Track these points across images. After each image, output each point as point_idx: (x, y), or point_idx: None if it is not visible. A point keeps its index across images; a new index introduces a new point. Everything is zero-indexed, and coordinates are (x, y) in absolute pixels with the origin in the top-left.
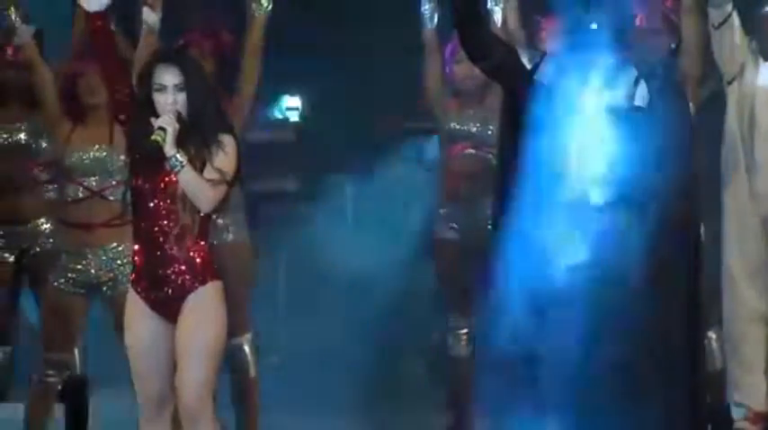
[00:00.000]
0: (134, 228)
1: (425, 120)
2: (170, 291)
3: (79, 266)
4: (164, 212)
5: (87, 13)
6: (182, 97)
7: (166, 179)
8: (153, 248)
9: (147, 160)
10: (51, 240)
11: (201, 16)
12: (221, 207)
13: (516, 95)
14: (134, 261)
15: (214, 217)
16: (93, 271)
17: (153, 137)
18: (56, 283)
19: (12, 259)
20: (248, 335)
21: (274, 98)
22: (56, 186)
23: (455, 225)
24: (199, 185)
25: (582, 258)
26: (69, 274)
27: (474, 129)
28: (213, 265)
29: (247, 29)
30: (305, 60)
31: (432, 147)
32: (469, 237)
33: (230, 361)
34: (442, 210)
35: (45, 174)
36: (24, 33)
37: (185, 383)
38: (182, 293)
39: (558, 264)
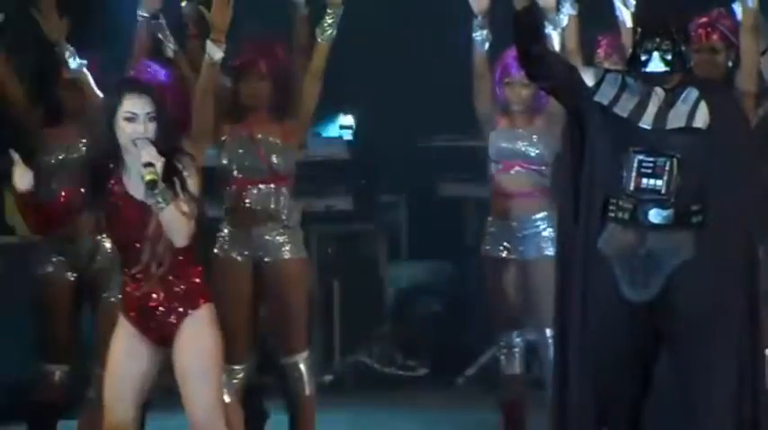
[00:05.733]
0: (120, 258)
1: (476, 139)
2: (160, 320)
3: None
4: (144, 253)
5: None
6: (152, 126)
7: (138, 223)
8: (140, 282)
9: (117, 201)
10: (110, 257)
11: (256, 36)
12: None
13: (577, 114)
14: (124, 288)
15: (273, 235)
16: None
17: (148, 176)
18: (113, 299)
19: (72, 277)
20: (304, 354)
21: (328, 116)
22: None
23: (505, 243)
24: (179, 221)
25: (641, 277)
26: None
27: (523, 148)
28: (206, 287)
29: (296, 48)
30: (359, 78)
31: (482, 166)
32: (520, 255)
33: (285, 379)
34: (491, 229)
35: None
36: (76, 68)
37: (197, 405)
38: (173, 321)
39: (618, 282)
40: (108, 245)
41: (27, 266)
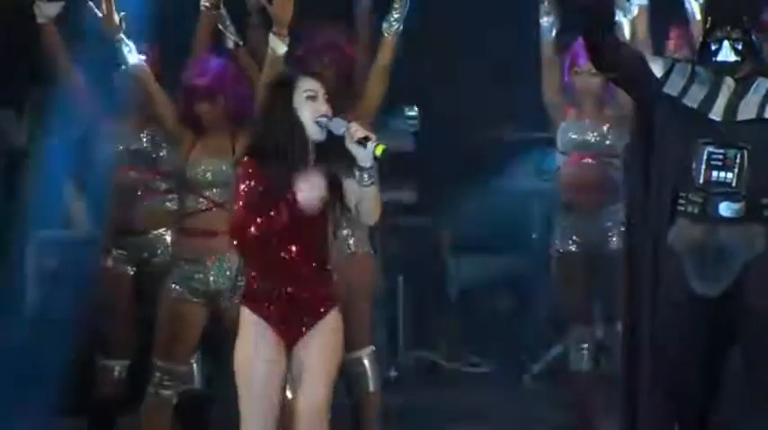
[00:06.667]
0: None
1: (544, 131)
2: (298, 311)
3: (198, 275)
4: (295, 237)
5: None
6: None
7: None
8: (281, 266)
9: (279, 180)
10: (171, 250)
11: (320, 28)
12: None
13: (645, 105)
14: (252, 275)
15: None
16: (212, 279)
17: (381, 147)
18: (173, 292)
19: (132, 271)
20: (368, 349)
21: (392, 107)
22: (175, 196)
23: (575, 237)
24: (378, 199)
25: (712, 272)
26: (188, 283)
27: (592, 139)
28: (335, 289)
29: (360, 43)
30: (424, 69)
31: (550, 158)
32: (590, 249)
33: (349, 375)
34: (560, 222)
35: (165, 184)
36: (134, 62)
37: (311, 403)
38: (311, 315)
39: (688, 277)
40: (168, 238)
41: (86, 260)
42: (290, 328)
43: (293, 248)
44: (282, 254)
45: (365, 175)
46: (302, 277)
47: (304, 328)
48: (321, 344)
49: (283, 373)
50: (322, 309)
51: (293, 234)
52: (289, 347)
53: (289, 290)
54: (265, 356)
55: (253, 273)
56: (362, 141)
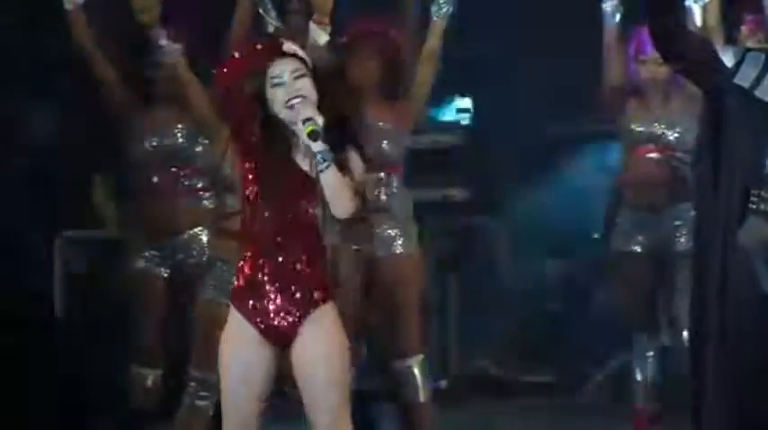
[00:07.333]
0: (245, 237)
1: (605, 123)
2: (282, 311)
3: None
4: (280, 223)
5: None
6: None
7: (288, 185)
8: (265, 261)
9: (269, 164)
10: (207, 251)
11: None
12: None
13: (715, 97)
14: (240, 274)
15: (384, 228)
16: None
17: (308, 127)
18: (210, 295)
19: (166, 274)
20: (418, 357)
21: (443, 99)
22: (212, 194)
23: (639, 237)
24: (342, 186)
25: None
26: (224, 286)
27: (659, 132)
28: (329, 283)
29: (407, 26)
30: (477, 58)
31: (612, 152)
32: (655, 250)
33: (398, 385)
34: (623, 221)
35: (201, 181)
36: (172, 53)
37: (324, 412)
38: (296, 315)
39: (760, 278)
40: (204, 238)
41: (118, 262)
42: (280, 327)
43: (284, 246)
44: (274, 251)
45: (318, 158)
46: (293, 275)
47: (297, 327)
48: (320, 347)
49: (266, 375)
50: (312, 308)
51: (283, 232)
52: (281, 347)
53: (278, 286)
54: (244, 357)
55: (245, 270)
56: (307, 120)
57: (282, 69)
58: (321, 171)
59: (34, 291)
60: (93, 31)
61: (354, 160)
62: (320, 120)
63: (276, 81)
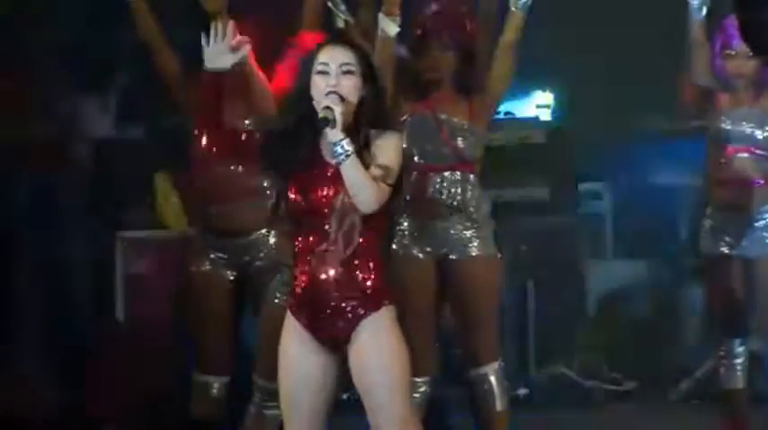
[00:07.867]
0: (294, 247)
1: (691, 121)
2: (335, 319)
3: None
4: (320, 229)
5: None
6: (347, 82)
7: (322, 190)
8: (314, 271)
9: (299, 164)
10: (275, 253)
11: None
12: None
13: None
14: (294, 284)
15: (459, 229)
16: None
17: (321, 113)
18: (277, 300)
19: (231, 276)
20: (495, 364)
21: (522, 94)
22: None
23: (727, 238)
24: (363, 180)
25: None
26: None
27: (748, 130)
28: (387, 287)
29: (483, 17)
30: (559, 50)
31: (698, 151)
32: (744, 253)
33: (474, 393)
34: (711, 222)
35: (267, 180)
36: (238, 56)
37: (390, 420)
38: (349, 322)
39: None
40: (272, 239)
41: (181, 263)
42: (335, 333)
43: (329, 250)
44: (319, 257)
45: (335, 149)
46: (349, 280)
47: (351, 333)
48: (375, 353)
49: (324, 383)
50: (368, 312)
51: (325, 234)
52: (339, 353)
53: (334, 292)
54: (301, 365)
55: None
56: (324, 108)
57: (330, 57)
58: (339, 163)
59: (95, 292)
60: (156, 20)
61: (387, 157)
62: (338, 109)
63: (321, 68)
